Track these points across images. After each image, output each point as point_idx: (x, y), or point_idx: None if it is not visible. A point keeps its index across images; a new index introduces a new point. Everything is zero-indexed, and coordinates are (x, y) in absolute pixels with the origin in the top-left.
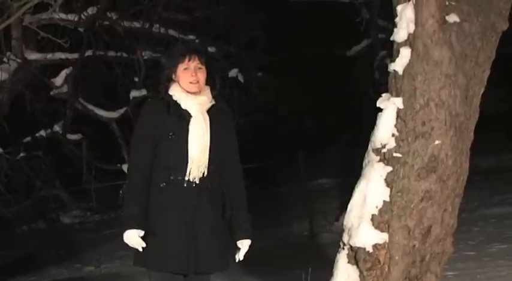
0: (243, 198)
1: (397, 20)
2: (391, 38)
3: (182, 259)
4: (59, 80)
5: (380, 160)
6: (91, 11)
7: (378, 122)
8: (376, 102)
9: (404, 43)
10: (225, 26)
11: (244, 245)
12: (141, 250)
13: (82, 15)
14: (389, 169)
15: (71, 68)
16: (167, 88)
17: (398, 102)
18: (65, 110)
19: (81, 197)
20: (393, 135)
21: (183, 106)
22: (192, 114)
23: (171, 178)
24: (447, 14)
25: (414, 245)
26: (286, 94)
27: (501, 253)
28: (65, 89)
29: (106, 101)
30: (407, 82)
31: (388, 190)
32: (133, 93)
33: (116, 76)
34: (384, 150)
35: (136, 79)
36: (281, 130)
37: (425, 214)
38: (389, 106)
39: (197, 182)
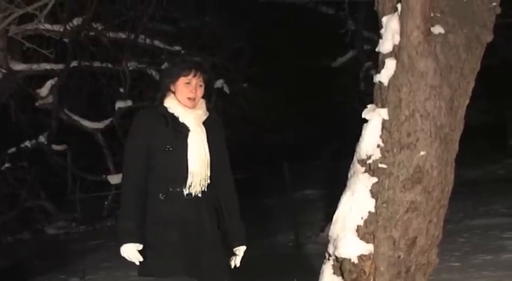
0: (237, 206)
1: (382, 31)
2: (377, 49)
3: (187, 261)
4: (44, 91)
5: (365, 171)
6: (76, 21)
7: (363, 133)
8: (361, 113)
9: (390, 54)
10: (210, 37)
11: (240, 251)
12: (137, 263)
13: (67, 26)
14: (374, 179)
15: (56, 78)
16: (163, 98)
17: (383, 113)
18: (50, 121)
19: (66, 207)
20: (378, 146)
21: (181, 120)
22: (190, 128)
23: (170, 189)
24: (432, 26)
25: (399, 256)
26: (272, 105)
27: (486, 264)
28: (50, 99)
29: (91, 111)
30: (393, 93)
31: (373, 200)
32: (119, 104)
33: (101, 87)
34: (369, 161)
35: (121, 90)
36: (266, 141)
37: (410, 225)
38: (374, 117)
39: (199, 195)
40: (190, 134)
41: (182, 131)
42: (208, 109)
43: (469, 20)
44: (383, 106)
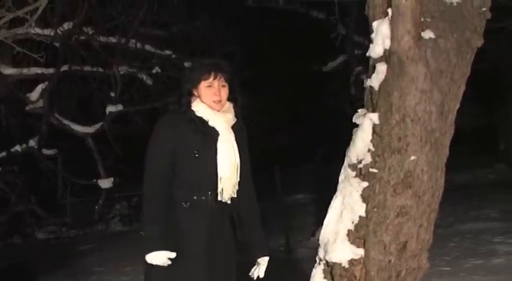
0: (259, 216)
1: (373, 36)
2: (367, 54)
3: (207, 272)
4: (34, 95)
5: (356, 175)
6: (67, 26)
7: (354, 137)
8: (352, 117)
9: (380, 59)
10: (202, 42)
11: (265, 262)
12: (166, 265)
13: (58, 30)
14: (365, 184)
15: (46, 82)
16: (189, 103)
17: (374, 117)
18: (41, 125)
19: (56, 212)
20: (369, 150)
21: (211, 124)
22: (219, 132)
23: (194, 197)
24: (423, 30)
25: (390, 261)
26: (263, 109)
27: (476, 269)
28: (40, 104)
29: (82, 116)
30: (383, 98)
31: (364, 205)
32: (110, 108)
33: (91, 91)
34: (360, 165)
35: (112, 94)
36: (258, 145)
37: (401, 230)
38: (365, 122)
39: (228, 202)
40: (220, 138)
41: (211, 135)
42: (236, 114)
43: (459, 25)
44: (374, 111)
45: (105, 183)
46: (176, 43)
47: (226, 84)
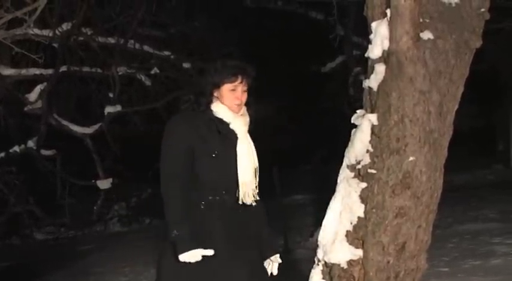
0: (265, 213)
1: (371, 36)
2: (366, 55)
3: (235, 272)
4: (33, 96)
5: (355, 176)
6: (66, 26)
7: (352, 138)
8: (350, 118)
9: (379, 60)
10: (200, 42)
11: (277, 259)
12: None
13: (57, 31)
14: (363, 185)
15: (45, 83)
16: (209, 103)
17: (373, 118)
18: (39, 126)
19: (55, 213)
20: (368, 151)
21: (231, 126)
22: (238, 134)
23: (210, 197)
24: (421, 31)
25: (388, 261)
26: (260, 110)
27: (475, 269)
28: (39, 104)
29: (80, 116)
30: (382, 98)
31: (362, 206)
32: (108, 109)
33: (90, 92)
34: (359, 166)
35: (111, 95)
36: (256, 146)
37: (399, 230)
38: (364, 122)
39: (253, 204)
40: (239, 142)
41: (230, 137)
42: (250, 117)
43: (458, 26)
44: (372, 111)
45: (104, 184)
46: (174, 44)
47: (246, 89)
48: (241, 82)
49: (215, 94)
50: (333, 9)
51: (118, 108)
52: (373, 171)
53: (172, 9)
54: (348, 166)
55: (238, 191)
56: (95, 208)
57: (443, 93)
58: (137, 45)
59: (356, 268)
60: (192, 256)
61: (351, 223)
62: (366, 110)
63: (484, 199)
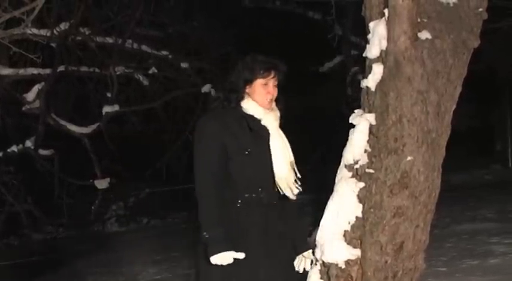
0: (297, 209)
1: (369, 36)
2: (364, 55)
3: (269, 271)
4: (31, 96)
5: (352, 176)
6: (63, 26)
7: (350, 138)
8: (348, 118)
9: (377, 59)
10: (198, 42)
11: (310, 255)
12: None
13: (54, 31)
14: (361, 184)
15: (43, 83)
16: (240, 99)
17: (370, 118)
18: (37, 126)
19: (53, 213)
20: (366, 151)
21: (263, 122)
22: (270, 130)
23: (246, 195)
24: (419, 31)
25: (386, 261)
26: None
27: (473, 269)
28: (37, 104)
29: (78, 116)
30: (380, 98)
31: (360, 205)
32: (106, 109)
33: (88, 91)
34: (357, 166)
35: (108, 94)
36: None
37: (397, 230)
38: (361, 122)
39: (291, 196)
40: (272, 138)
41: (262, 133)
42: (280, 112)
43: (456, 26)
44: (370, 111)
45: (102, 183)
46: (172, 44)
47: (277, 84)
48: (273, 77)
49: (247, 90)
50: (331, 9)
51: (116, 108)
52: (371, 171)
53: (170, 9)
54: (345, 166)
55: (275, 187)
56: (92, 207)
57: (441, 93)
58: (135, 45)
59: (354, 268)
60: (222, 258)
61: (349, 223)
62: (364, 110)
63: (482, 198)
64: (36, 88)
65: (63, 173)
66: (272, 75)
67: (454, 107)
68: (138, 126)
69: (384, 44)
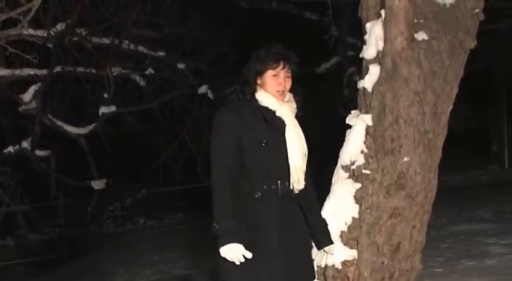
0: (318, 203)
1: (366, 37)
2: (360, 55)
3: (285, 263)
4: (27, 96)
5: (349, 177)
6: (60, 27)
7: (347, 138)
8: (345, 119)
9: (373, 60)
10: (194, 42)
11: (331, 250)
12: (238, 262)
13: (51, 31)
14: (358, 185)
15: (39, 84)
16: (254, 91)
17: (367, 119)
18: (34, 126)
19: (49, 213)
20: (362, 152)
21: (277, 113)
22: (286, 121)
23: (264, 187)
24: (416, 32)
25: (383, 262)
26: None
27: (469, 270)
28: (33, 105)
29: (75, 117)
30: (376, 99)
31: (357, 206)
32: (103, 109)
33: (85, 92)
34: (353, 167)
35: (105, 95)
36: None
37: (394, 231)
38: (358, 123)
39: (295, 192)
40: (287, 129)
41: (278, 125)
42: (297, 105)
43: (452, 27)
44: (367, 112)
45: (98, 184)
46: (169, 44)
47: (290, 75)
48: (283, 68)
49: (258, 82)
50: (328, 10)
51: (112, 108)
52: (368, 172)
53: (166, 10)
54: (342, 167)
55: (290, 179)
56: (89, 208)
57: (437, 94)
58: (132, 46)
59: (350, 269)
60: (230, 249)
61: (346, 224)
62: (361, 111)
63: (478, 199)
64: (32, 89)
65: (59, 174)
66: (281, 66)
67: (450, 107)
68: (134, 127)
69: (381, 45)
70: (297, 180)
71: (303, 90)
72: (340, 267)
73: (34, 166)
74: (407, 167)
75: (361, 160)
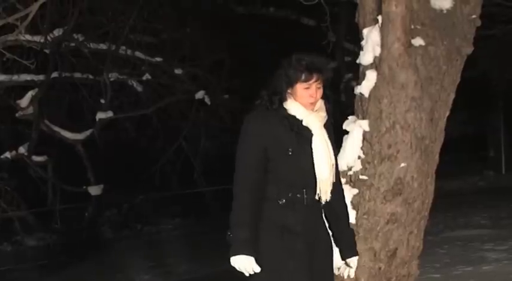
0: (348, 214)
1: (363, 43)
2: (357, 61)
3: (308, 272)
4: (24, 102)
5: (346, 182)
6: (57, 32)
7: (344, 144)
8: (342, 124)
9: (370, 66)
10: (191, 48)
11: (355, 262)
12: (247, 274)
13: (48, 37)
14: (355, 191)
15: (36, 89)
16: (282, 100)
17: (364, 124)
18: (31, 132)
19: (46, 219)
20: (359, 157)
21: (304, 123)
22: (313, 131)
23: (290, 195)
24: (413, 38)
25: (380, 268)
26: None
27: (466, 276)
28: (30, 110)
29: (72, 122)
30: (373, 105)
31: (354, 212)
32: (99, 115)
33: (81, 98)
34: (350, 172)
35: (102, 101)
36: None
37: (391, 237)
38: (355, 129)
39: (327, 200)
40: (314, 138)
41: (305, 134)
42: (327, 111)
43: (449, 32)
44: (364, 118)
45: (95, 190)
46: (166, 50)
47: (321, 86)
48: (316, 80)
49: (288, 91)
50: (325, 16)
51: (109, 114)
52: (365, 177)
53: (163, 16)
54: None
55: (317, 189)
56: (86, 214)
57: (434, 99)
58: (129, 52)
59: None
60: (241, 260)
61: None
62: (358, 117)
63: (475, 205)
64: (29, 94)
65: (56, 180)
66: (314, 79)
67: (447, 113)
68: (131, 132)
69: (378, 51)
70: (324, 191)
71: (333, 97)
72: (337, 273)
73: (31, 172)
74: (404, 173)
75: (358, 166)
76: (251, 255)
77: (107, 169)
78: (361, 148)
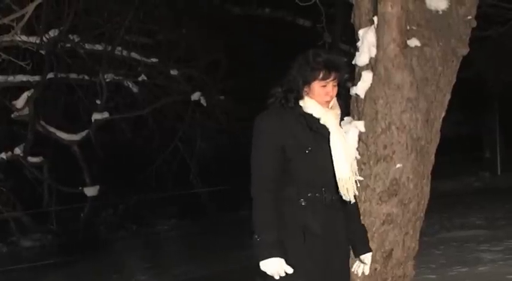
0: (359, 211)
1: (358, 44)
2: (353, 62)
3: (327, 272)
4: (20, 103)
5: None
6: (53, 33)
7: None
8: None
9: (366, 67)
10: (187, 49)
11: (369, 259)
12: (278, 277)
13: (44, 38)
14: None
15: (32, 90)
16: (298, 98)
17: (360, 125)
18: (26, 133)
19: (41, 220)
20: (355, 158)
21: (322, 121)
22: (330, 129)
23: (309, 194)
24: (408, 39)
25: (376, 269)
26: (249, 117)
27: (462, 276)
28: (26, 111)
29: (67, 123)
30: (369, 106)
31: None
32: (95, 116)
33: (77, 99)
34: None
35: (98, 101)
36: (243, 153)
37: (386, 237)
38: (351, 129)
39: (350, 200)
40: (332, 137)
41: (322, 132)
42: (341, 108)
43: (445, 33)
44: (359, 119)
45: (91, 191)
46: (162, 51)
47: (336, 83)
48: (334, 79)
49: (305, 89)
50: (321, 17)
51: (105, 115)
52: (360, 178)
53: (159, 16)
54: None
55: (337, 187)
56: (82, 214)
57: (430, 100)
58: (124, 52)
59: None
60: (272, 264)
61: None
62: (353, 117)
63: (470, 206)
64: (25, 95)
65: (52, 181)
66: (332, 77)
67: (443, 114)
68: (127, 133)
69: (373, 52)
70: (346, 190)
71: (346, 94)
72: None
73: (26, 172)
74: (400, 174)
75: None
76: (281, 257)
77: (102, 170)
78: (357, 149)
